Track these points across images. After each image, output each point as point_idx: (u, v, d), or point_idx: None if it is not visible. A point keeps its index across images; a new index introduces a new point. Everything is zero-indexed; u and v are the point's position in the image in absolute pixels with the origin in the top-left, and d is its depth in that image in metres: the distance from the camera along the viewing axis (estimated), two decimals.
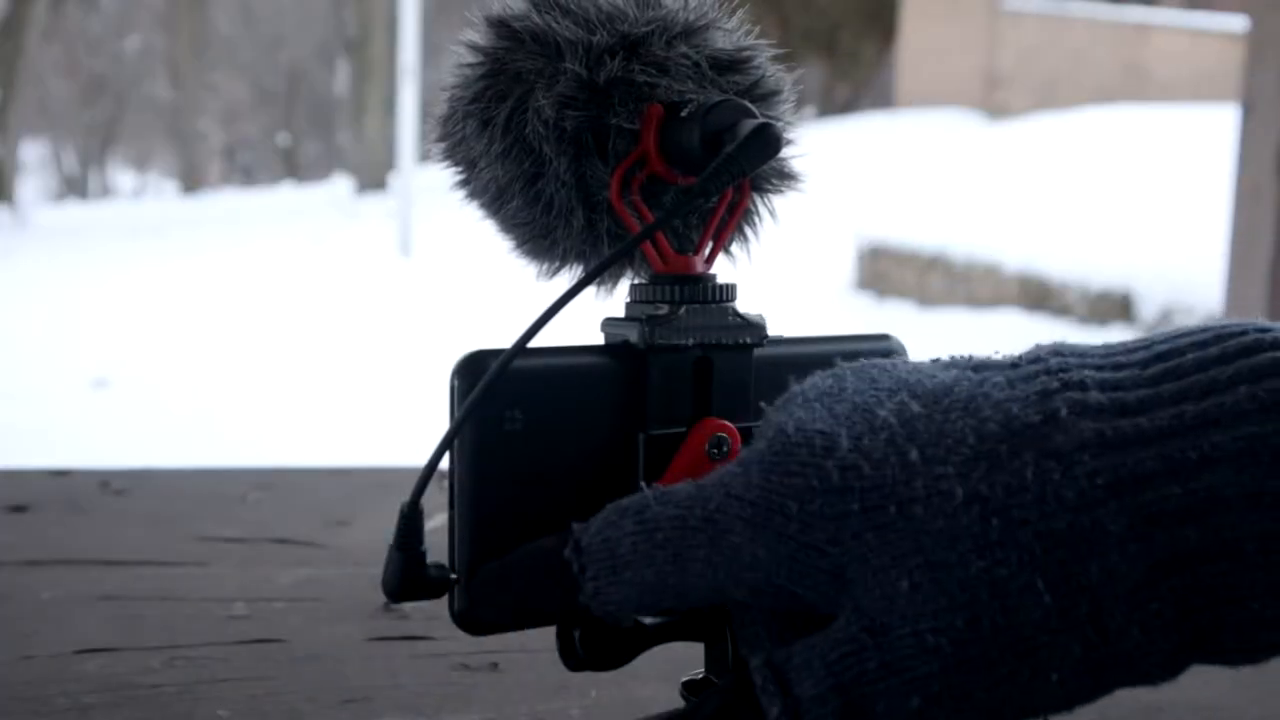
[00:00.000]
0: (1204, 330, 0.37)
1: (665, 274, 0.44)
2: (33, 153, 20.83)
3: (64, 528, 0.83)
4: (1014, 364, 0.38)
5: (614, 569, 0.38)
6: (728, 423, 0.44)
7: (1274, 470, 0.33)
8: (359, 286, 7.35)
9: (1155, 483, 0.34)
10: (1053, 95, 10.91)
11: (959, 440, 0.35)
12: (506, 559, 0.41)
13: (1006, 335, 5.75)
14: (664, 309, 0.43)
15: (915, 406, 0.37)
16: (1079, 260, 5.84)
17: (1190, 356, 0.36)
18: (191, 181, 20.19)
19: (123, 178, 24.95)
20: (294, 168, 22.68)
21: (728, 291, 0.44)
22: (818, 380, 0.39)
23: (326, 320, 6.36)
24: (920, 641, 0.34)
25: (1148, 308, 5.38)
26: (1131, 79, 11.16)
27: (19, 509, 0.86)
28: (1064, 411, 0.35)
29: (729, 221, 0.45)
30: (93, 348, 5.73)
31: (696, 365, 0.44)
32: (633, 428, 0.43)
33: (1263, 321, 0.37)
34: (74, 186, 21.87)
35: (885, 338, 0.47)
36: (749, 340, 0.44)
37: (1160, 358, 0.36)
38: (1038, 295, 5.95)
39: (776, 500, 0.36)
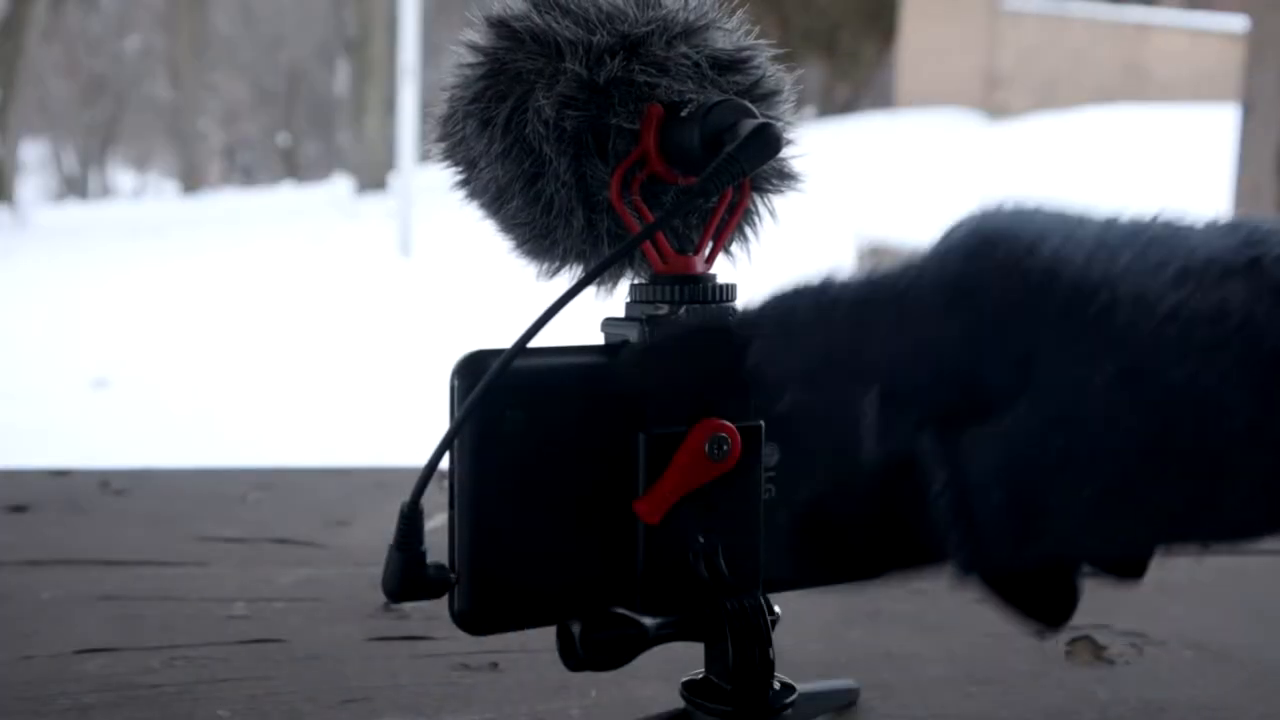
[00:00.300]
0: None
1: (665, 274, 0.44)
2: (33, 153, 20.81)
3: (64, 528, 0.83)
4: (1207, 224, 0.37)
5: (787, 334, 0.38)
6: (728, 423, 0.44)
7: None
8: (359, 286, 7.35)
9: None
10: (1053, 95, 10.91)
11: (1163, 262, 0.35)
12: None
13: None
14: (664, 309, 0.43)
15: (1113, 232, 0.36)
16: None
17: None
18: (191, 181, 20.18)
19: (123, 178, 24.94)
20: (294, 168, 22.68)
21: (728, 291, 0.44)
22: (1001, 203, 0.38)
23: (326, 320, 6.36)
24: (1107, 440, 0.34)
25: None
26: (1131, 79, 11.16)
27: (19, 509, 0.86)
28: (1268, 259, 0.34)
29: (729, 221, 0.45)
30: (93, 348, 5.72)
31: None
32: (633, 427, 0.43)
33: None
34: (74, 186, 21.86)
35: None
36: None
37: None
38: None
39: (973, 287, 0.36)
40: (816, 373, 0.38)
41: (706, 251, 0.45)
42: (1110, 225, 0.36)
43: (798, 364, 0.38)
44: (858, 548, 0.38)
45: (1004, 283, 0.35)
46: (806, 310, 0.37)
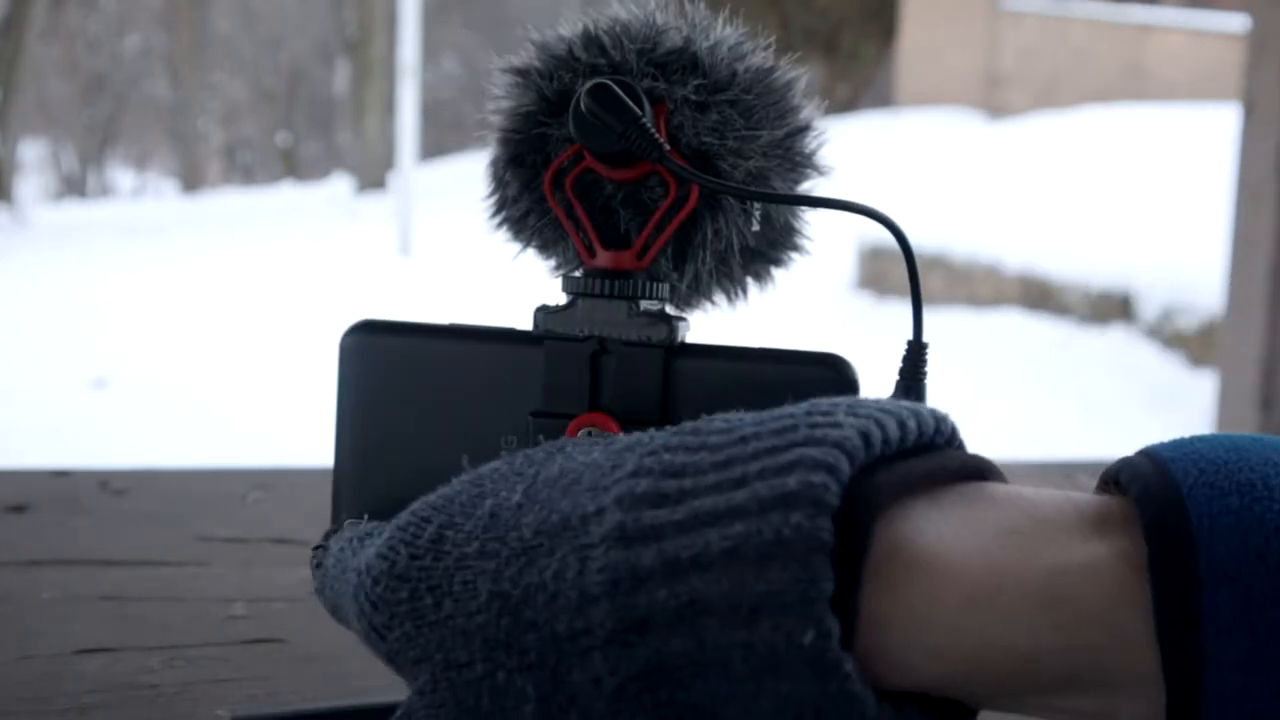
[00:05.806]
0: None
1: (591, 267, 0.44)
2: (33, 152, 20.81)
3: (64, 528, 0.83)
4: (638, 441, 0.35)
5: None
6: (610, 418, 0.43)
7: (759, 573, 0.30)
8: (359, 286, 7.35)
9: (648, 584, 0.31)
10: (1053, 95, 10.91)
11: (518, 534, 0.34)
12: None
13: (1007, 335, 5.75)
14: (565, 299, 0.44)
15: (514, 498, 0.35)
16: (1079, 260, 5.84)
17: (751, 446, 0.33)
18: (191, 181, 20.18)
19: (122, 177, 24.92)
20: (294, 167, 22.67)
21: (631, 288, 0.43)
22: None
23: (326, 320, 6.35)
24: None
25: (1148, 308, 5.38)
26: (1131, 79, 11.16)
27: (19, 509, 0.86)
28: (609, 499, 0.33)
29: (672, 220, 0.44)
30: (93, 348, 5.72)
31: (593, 359, 0.44)
32: (523, 414, 0.44)
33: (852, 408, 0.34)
34: (74, 186, 21.85)
35: (831, 357, 0.43)
36: (651, 339, 0.43)
37: (739, 441, 0.33)
38: (1038, 295, 5.95)
39: (358, 579, 0.37)
40: None
41: (642, 250, 0.44)
42: (526, 491, 0.36)
43: None
44: None
45: (377, 580, 0.38)
46: None
